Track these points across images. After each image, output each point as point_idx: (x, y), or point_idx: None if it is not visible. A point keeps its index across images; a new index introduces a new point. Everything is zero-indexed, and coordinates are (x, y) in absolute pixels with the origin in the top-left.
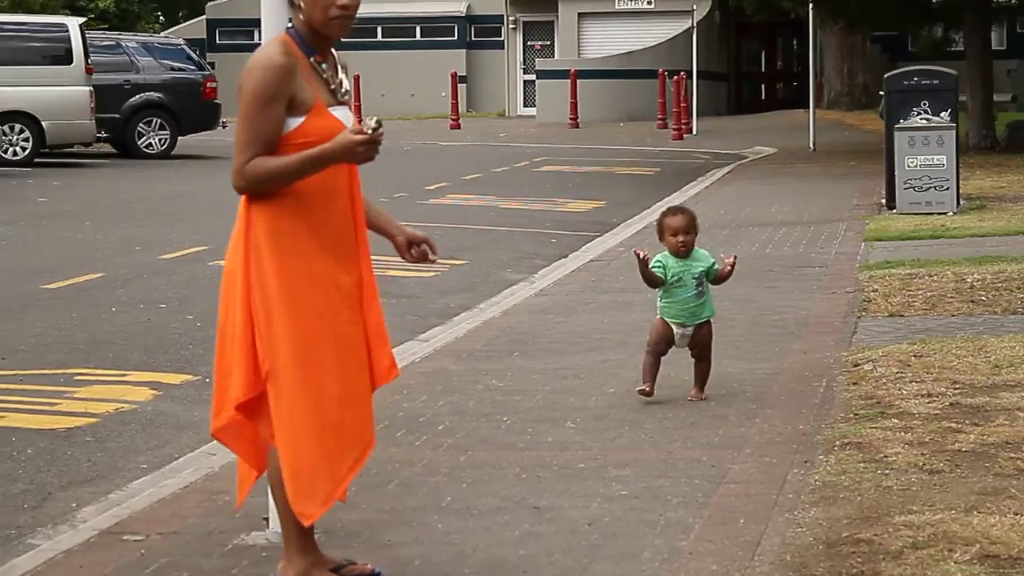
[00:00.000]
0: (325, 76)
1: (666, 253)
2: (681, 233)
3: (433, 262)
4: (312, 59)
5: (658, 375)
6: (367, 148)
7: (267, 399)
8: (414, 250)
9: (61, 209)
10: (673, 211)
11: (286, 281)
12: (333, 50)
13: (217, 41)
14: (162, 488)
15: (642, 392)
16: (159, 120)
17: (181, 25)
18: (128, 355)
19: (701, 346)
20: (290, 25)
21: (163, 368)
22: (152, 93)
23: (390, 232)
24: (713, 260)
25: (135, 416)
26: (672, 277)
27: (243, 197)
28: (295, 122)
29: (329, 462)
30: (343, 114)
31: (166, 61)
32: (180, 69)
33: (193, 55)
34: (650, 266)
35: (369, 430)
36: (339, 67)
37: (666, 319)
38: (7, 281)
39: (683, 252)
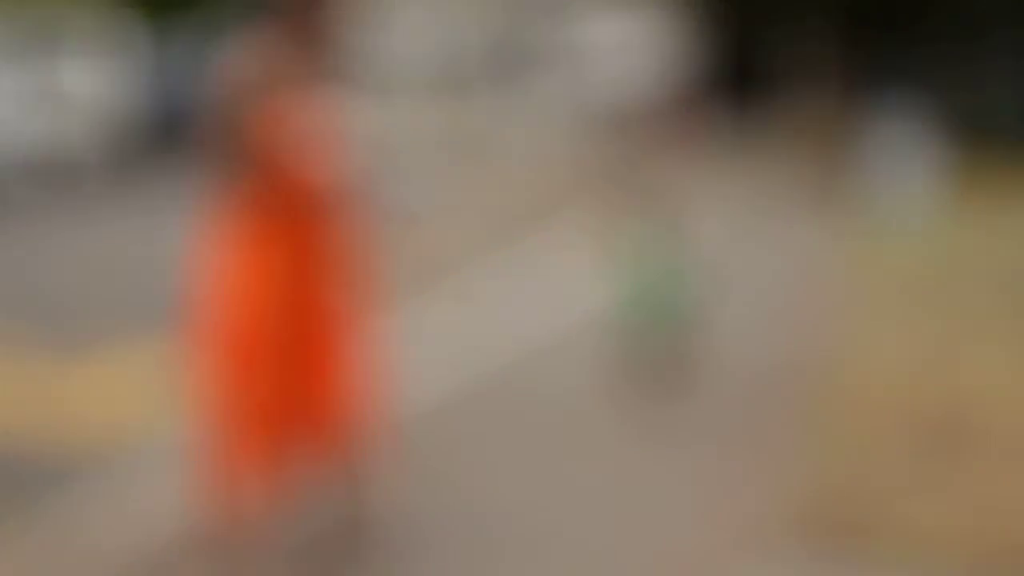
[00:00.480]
0: (299, 74)
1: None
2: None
3: None
4: (291, 58)
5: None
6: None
7: None
8: None
9: None
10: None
11: (254, 287)
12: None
13: None
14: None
15: None
16: None
17: None
18: None
19: None
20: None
21: None
22: None
23: None
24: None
25: None
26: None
27: (208, 214)
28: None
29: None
30: (312, 111)
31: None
32: None
33: None
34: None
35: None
36: None
37: None
38: None
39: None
